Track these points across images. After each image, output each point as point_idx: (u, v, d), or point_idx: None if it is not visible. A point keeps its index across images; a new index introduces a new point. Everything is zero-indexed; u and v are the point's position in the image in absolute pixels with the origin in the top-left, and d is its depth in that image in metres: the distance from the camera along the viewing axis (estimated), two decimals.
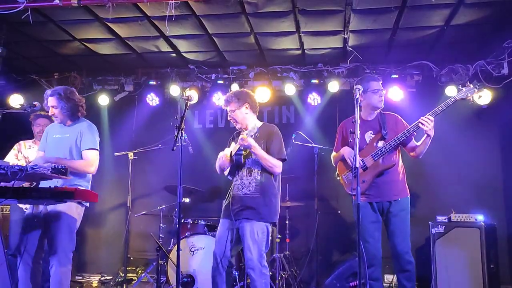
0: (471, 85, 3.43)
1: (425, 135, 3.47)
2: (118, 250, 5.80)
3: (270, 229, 3.48)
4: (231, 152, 3.54)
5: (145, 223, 5.97)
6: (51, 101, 3.62)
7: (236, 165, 3.54)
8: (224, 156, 3.58)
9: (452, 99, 3.43)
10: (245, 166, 3.52)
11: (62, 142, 3.63)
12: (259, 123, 3.67)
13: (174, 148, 3.07)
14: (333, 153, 3.94)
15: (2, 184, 3.16)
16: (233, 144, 3.61)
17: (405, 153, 3.75)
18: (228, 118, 3.69)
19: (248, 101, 3.62)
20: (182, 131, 3.15)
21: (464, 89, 3.44)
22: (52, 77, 6.35)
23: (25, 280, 3.46)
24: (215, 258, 3.45)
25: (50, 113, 3.67)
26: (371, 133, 3.70)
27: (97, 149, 3.67)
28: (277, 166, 3.45)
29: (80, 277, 6.00)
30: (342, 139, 3.85)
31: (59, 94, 3.60)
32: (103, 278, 5.96)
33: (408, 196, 3.67)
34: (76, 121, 3.72)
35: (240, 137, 3.38)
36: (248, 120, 3.62)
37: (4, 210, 5.05)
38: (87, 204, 3.61)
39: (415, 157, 3.65)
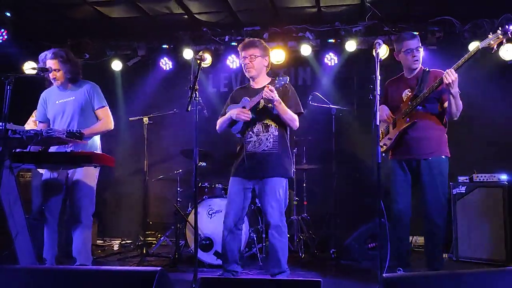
0: (498, 31, 3.12)
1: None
2: (138, 214, 5.87)
3: (287, 184, 3.46)
4: (244, 107, 3.41)
5: (162, 187, 6.01)
6: (53, 63, 3.53)
7: (248, 121, 3.41)
8: (242, 112, 3.36)
9: (475, 49, 3.19)
10: (260, 121, 3.41)
11: (69, 106, 3.60)
12: (269, 79, 3.55)
13: (188, 109, 3.01)
14: None
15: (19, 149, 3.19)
16: (244, 100, 3.46)
17: None
18: (243, 62, 3.47)
19: (270, 55, 3.56)
20: (196, 92, 3.08)
21: (490, 36, 3.17)
22: (65, 43, 6.28)
23: (51, 243, 3.55)
24: (229, 217, 3.41)
25: (51, 76, 3.57)
26: (408, 91, 3.58)
27: (107, 106, 3.73)
28: (296, 120, 3.41)
29: (102, 241, 6.13)
30: (385, 98, 3.77)
31: (62, 56, 3.52)
32: (123, 242, 6.07)
33: (443, 157, 3.50)
34: (77, 83, 3.67)
35: (267, 88, 3.17)
36: (262, 74, 3.52)
37: (26, 176, 5.12)
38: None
39: (449, 118, 3.47)
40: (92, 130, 3.56)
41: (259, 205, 3.54)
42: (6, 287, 2.09)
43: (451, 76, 3.17)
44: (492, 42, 3.14)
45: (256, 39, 3.59)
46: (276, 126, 3.40)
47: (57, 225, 3.54)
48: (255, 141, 3.41)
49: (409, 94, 3.56)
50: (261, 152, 3.37)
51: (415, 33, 3.70)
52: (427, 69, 3.56)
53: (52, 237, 3.50)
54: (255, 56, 3.44)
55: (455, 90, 3.24)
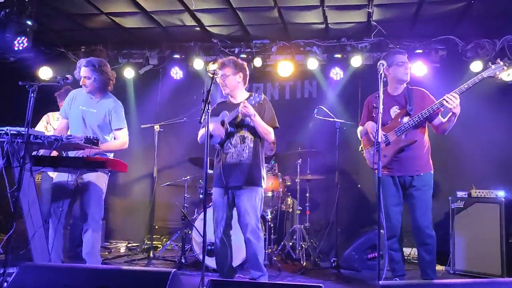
0: (500, 62, 3.32)
1: (451, 112, 3.44)
2: (144, 219, 6.02)
3: (262, 193, 3.64)
4: (223, 121, 3.59)
5: (170, 193, 6.14)
6: (85, 71, 3.68)
7: (227, 134, 3.61)
8: (217, 127, 3.59)
9: (480, 77, 3.35)
10: (238, 133, 3.61)
11: (88, 117, 3.72)
12: (247, 94, 3.73)
13: (202, 120, 3.18)
14: (359, 127, 4.00)
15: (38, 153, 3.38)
16: (223, 113, 3.63)
17: (431, 128, 3.77)
18: (218, 81, 3.68)
19: (243, 71, 3.71)
20: (209, 105, 3.25)
21: (493, 66, 3.35)
22: (79, 50, 6.50)
23: (56, 244, 3.64)
24: (217, 225, 3.59)
25: (81, 83, 3.72)
26: (396, 108, 3.72)
27: (126, 127, 3.86)
28: (271, 133, 3.59)
29: (108, 244, 6.26)
30: (368, 114, 3.89)
31: (94, 65, 3.66)
32: (129, 245, 6.21)
33: (431, 172, 3.69)
34: (104, 96, 3.80)
35: (243, 104, 3.39)
36: (238, 89, 3.70)
37: (36, 179, 5.29)
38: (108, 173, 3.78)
39: (441, 133, 3.64)
40: (106, 147, 3.70)
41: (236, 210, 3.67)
42: (32, 283, 2.25)
43: (454, 101, 3.34)
44: (497, 72, 3.34)
45: (228, 58, 3.76)
46: (252, 138, 3.60)
47: (63, 227, 3.64)
48: (233, 152, 3.60)
49: (398, 111, 3.70)
50: (238, 162, 3.56)
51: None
52: (410, 86, 3.75)
53: (57, 239, 3.59)
54: (226, 75, 3.65)
55: (458, 111, 3.41)
